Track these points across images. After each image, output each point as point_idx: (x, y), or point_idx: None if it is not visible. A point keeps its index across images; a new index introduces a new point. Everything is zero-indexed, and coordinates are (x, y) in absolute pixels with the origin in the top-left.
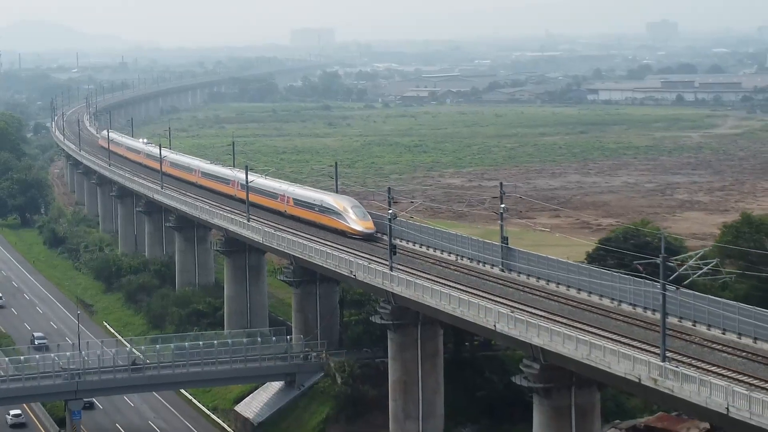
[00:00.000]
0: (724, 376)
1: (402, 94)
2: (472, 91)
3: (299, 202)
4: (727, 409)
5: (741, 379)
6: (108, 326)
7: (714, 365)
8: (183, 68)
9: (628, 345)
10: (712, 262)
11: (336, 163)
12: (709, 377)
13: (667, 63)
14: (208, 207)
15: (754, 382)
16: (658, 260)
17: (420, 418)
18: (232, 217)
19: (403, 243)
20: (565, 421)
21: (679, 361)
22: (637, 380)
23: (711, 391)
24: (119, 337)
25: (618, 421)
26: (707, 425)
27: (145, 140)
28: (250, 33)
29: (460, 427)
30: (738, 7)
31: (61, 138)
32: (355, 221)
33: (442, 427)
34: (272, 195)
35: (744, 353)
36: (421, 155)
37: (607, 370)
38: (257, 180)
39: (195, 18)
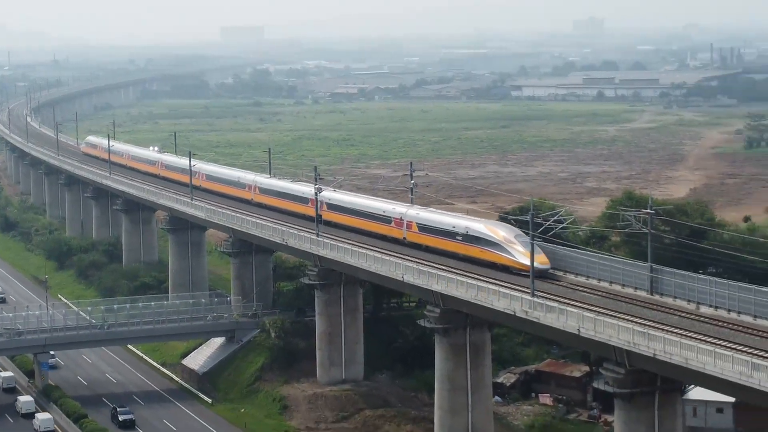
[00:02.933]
0: (578, 306)
1: (332, 90)
2: (400, 87)
3: (427, 228)
4: (578, 330)
5: (592, 308)
6: (63, 298)
7: (574, 300)
8: (115, 66)
9: (507, 287)
10: (570, 218)
11: (269, 149)
12: (566, 307)
13: (592, 60)
14: (154, 189)
15: (602, 311)
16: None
17: (343, 365)
18: (177, 197)
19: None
20: (462, 356)
21: (546, 298)
22: (513, 313)
23: (567, 318)
24: (74, 308)
25: (513, 367)
26: (587, 367)
27: (157, 148)
28: (180, 31)
29: (378, 373)
30: (664, 5)
31: (7, 132)
32: (526, 255)
33: (362, 373)
34: (384, 219)
35: (600, 293)
36: (349, 148)
37: (491, 306)
38: (348, 198)
39: (124, 15)
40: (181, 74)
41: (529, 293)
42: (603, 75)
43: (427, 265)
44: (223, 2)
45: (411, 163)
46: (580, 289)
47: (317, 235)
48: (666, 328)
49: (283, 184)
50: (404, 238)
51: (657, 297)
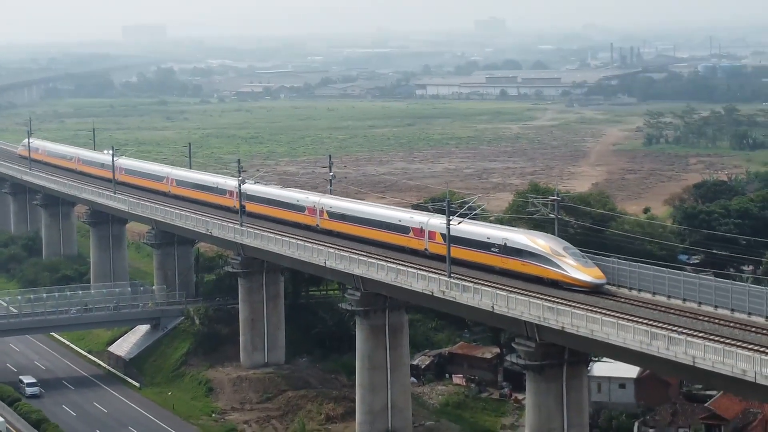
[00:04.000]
0: (492, 286)
1: (237, 89)
2: (305, 86)
3: (455, 240)
4: (492, 307)
5: (505, 287)
6: None
7: (487, 281)
8: (15, 64)
9: (425, 269)
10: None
11: (189, 144)
12: (480, 287)
13: (494, 59)
14: (75, 184)
15: (515, 289)
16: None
17: (265, 350)
18: (99, 191)
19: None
20: (381, 337)
21: (462, 279)
22: (431, 293)
23: (482, 296)
24: None
25: (427, 350)
26: (497, 349)
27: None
28: (82, 29)
29: (298, 357)
30: (563, 6)
31: None
32: (578, 269)
33: (283, 357)
34: (402, 228)
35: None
36: (258, 146)
37: (410, 288)
38: (381, 211)
39: (22, 13)
40: (86, 73)
41: (445, 274)
42: (505, 74)
43: (347, 250)
44: (123, 0)
45: (330, 156)
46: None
47: (241, 225)
48: (573, 304)
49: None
50: (425, 249)
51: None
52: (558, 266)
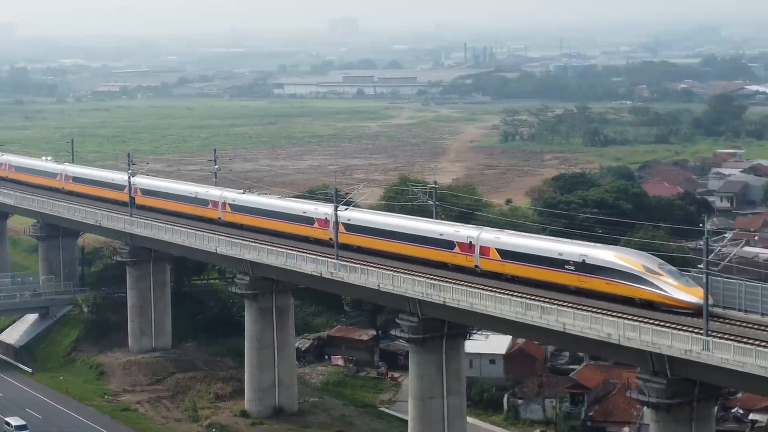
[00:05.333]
0: (377, 266)
1: (93, 89)
2: (162, 86)
3: (515, 255)
4: (378, 285)
5: (392, 267)
6: None
7: (374, 264)
8: None
9: (314, 253)
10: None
11: (72, 139)
12: (368, 267)
13: (349, 59)
14: None
15: (401, 270)
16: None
17: (153, 335)
18: None
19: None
20: (268, 318)
21: (349, 261)
22: (319, 275)
23: (369, 276)
24: None
25: (307, 334)
26: (374, 331)
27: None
28: None
29: (185, 342)
30: (415, 5)
31: None
32: (679, 288)
33: (170, 342)
34: (445, 244)
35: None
36: (121, 144)
37: (299, 270)
38: (418, 224)
39: None
40: None
41: (333, 257)
42: (362, 73)
43: (238, 237)
44: None
45: (215, 150)
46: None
47: (131, 215)
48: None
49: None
50: (477, 266)
51: None
52: (654, 286)
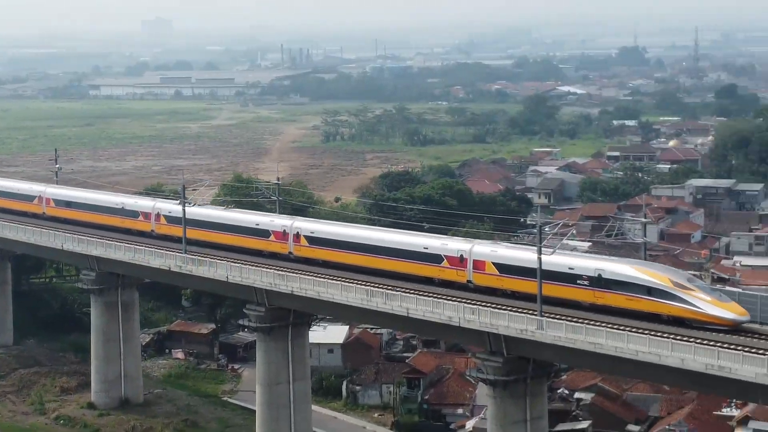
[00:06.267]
0: (225, 259)
1: None
2: None
3: (507, 268)
4: (227, 277)
5: (239, 260)
6: None
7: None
8: None
9: (161, 248)
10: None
11: None
12: (216, 260)
13: (165, 60)
14: None
15: (248, 262)
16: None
17: None
18: None
19: None
20: (114, 312)
21: (196, 255)
22: (168, 269)
23: (217, 268)
24: None
25: (147, 329)
26: (213, 325)
27: None
28: None
29: (26, 339)
30: (229, 7)
31: None
32: (714, 304)
33: (11, 339)
34: (432, 258)
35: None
36: None
37: (147, 264)
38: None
39: None
40: None
41: (181, 251)
42: (179, 75)
43: (84, 234)
44: None
45: (56, 149)
46: None
47: None
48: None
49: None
50: (469, 281)
51: None
52: (685, 301)
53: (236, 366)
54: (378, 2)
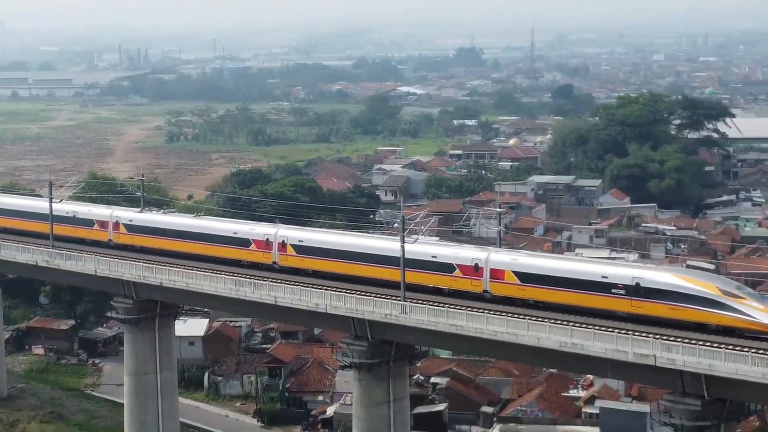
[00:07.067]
0: (93, 253)
1: None
2: None
3: (546, 279)
4: (95, 270)
5: (107, 254)
6: None
7: (89, 251)
8: None
9: (26, 243)
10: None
11: None
12: (83, 254)
13: None
14: None
15: (115, 255)
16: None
17: None
18: None
19: None
20: None
21: (64, 249)
22: (35, 264)
23: (85, 262)
24: None
25: (5, 326)
26: (72, 321)
27: None
28: None
29: None
30: (64, 8)
31: None
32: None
33: None
34: (443, 268)
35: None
36: None
37: (13, 260)
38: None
39: None
40: None
41: (48, 246)
42: (15, 75)
43: None
44: None
45: None
46: None
47: None
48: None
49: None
50: (486, 291)
51: None
52: (736, 311)
53: (97, 361)
54: (214, 3)
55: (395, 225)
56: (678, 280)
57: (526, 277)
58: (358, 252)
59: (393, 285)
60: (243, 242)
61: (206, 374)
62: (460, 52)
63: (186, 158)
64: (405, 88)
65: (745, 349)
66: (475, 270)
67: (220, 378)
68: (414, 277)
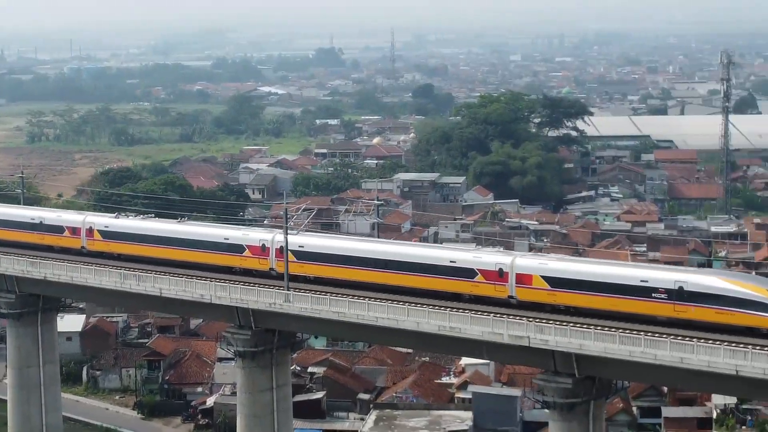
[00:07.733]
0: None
1: None
2: None
3: (578, 284)
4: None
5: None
6: None
7: None
8: None
9: None
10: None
11: None
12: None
13: None
14: None
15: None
16: None
17: None
18: None
19: None
20: None
21: None
22: None
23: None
24: None
25: None
26: None
27: None
28: None
29: None
30: None
31: None
32: None
33: None
34: (463, 273)
35: None
36: None
37: None
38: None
39: None
40: None
41: None
42: None
43: None
44: None
45: None
46: None
47: None
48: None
49: None
50: (511, 296)
51: None
52: None
53: None
54: (66, 3)
55: (265, 222)
56: (725, 283)
57: (557, 282)
58: (377, 258)
59: (418, 292)
60: (235, 248)
61: (84, 369)
62: (320, 52)
63: (49, 159)
64: (266, 88)
65: (613, 330)
66: (500, 275)
67: (98, 372)
68: (427, 282)
